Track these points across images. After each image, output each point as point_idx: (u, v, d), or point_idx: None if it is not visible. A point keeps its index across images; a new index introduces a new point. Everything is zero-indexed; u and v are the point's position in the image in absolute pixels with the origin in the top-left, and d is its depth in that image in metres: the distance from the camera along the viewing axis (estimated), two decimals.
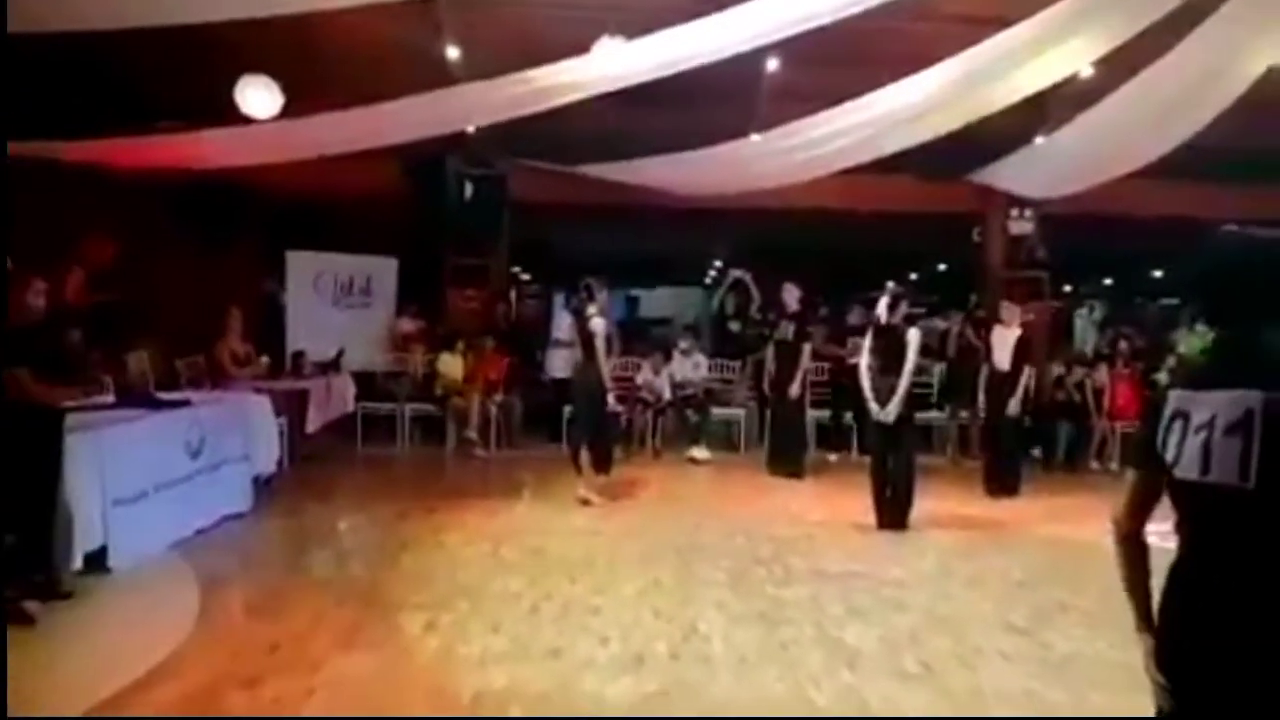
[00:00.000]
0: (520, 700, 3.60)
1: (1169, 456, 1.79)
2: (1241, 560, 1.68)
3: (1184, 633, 1.77)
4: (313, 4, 5.67)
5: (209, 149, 7.52)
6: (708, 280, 20.01)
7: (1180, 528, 1.81)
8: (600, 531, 6.35)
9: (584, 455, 7.12)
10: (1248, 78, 6.91)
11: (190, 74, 7.25)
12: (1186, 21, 6.18)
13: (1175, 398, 1.82)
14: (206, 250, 9.49)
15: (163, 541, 5.54)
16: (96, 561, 4.97)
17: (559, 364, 9.60)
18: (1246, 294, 1.82)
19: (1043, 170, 9.57)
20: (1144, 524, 1.95)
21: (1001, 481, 7.86)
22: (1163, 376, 9.81)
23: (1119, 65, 7.00)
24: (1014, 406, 7.78)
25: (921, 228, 12.49)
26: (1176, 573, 1.81)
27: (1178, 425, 1.78)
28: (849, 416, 9.51)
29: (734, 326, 11.50)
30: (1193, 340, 10.42)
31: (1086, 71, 7.21)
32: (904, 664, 4.02)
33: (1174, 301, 16.03)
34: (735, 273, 12.06)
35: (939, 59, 6.51)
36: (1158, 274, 18.80)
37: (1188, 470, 1.74)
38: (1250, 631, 1.65)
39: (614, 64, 6.54)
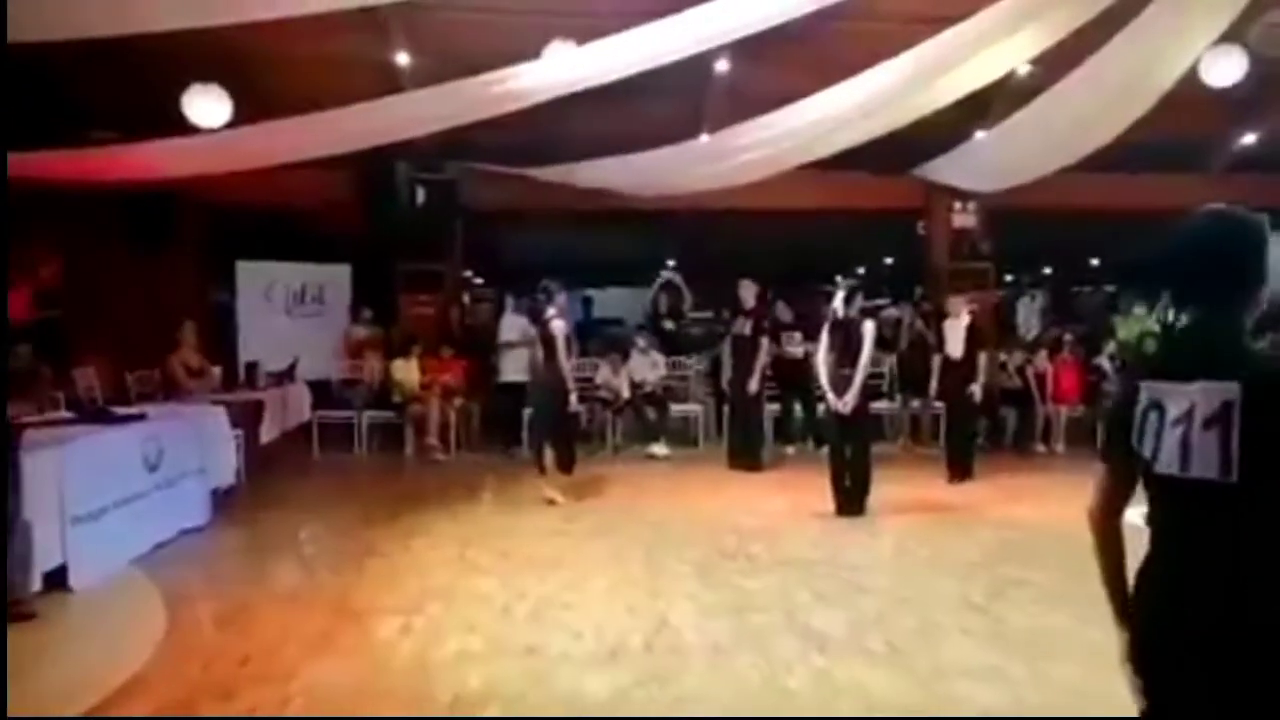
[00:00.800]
0: (499, 699, 3.63)
1: (1147, 451, 1.73)
2: (1223, 557, 1.63)
3: (1160, 630, 1.72)
4: (262, 13, 5.63)
5: (156, 160, 7.41)
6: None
7: (1155, 521, 1.76)
8: (567, 531, 6.40)
9: (547, 455, 7.17)
10: (1172, 75, 7.21)
11: (134, 84, 7.15)
12: (1119, 20, 6.44)
13: (1148, 389, 1.75)
14: (155, 262, 9.34)
15: (123, 558, 5.46)
16: (56, 580, 4.89)
17: (511, 367, 9.52)
18: (1225, 275, 1.73)
19: (984, 165, 9.85)
20: (1120, 516, 1.88)
21: (960, 466, 8.07)
22: (1103, 361, 10.17)
23: (1055, 63, 7.25)
24: (977, 392, 8.00)
25: (868, 223, 12.76)
26: (1152, 568, 1.76)
27: (1153, 418, 1.72)
28: (798, 409, 9.70)
29: (668, 325, 11.54)
30: (1131, 325, 10.82)
31: (1024, 69, 7.45)
32: (871, 645, 4.14)
33: (1111, 288, 16.57)
34: (666, 274, 12.13)
35: (885, 58, 6.68)
36: (1095, 262, 19.39)
37: (1168, 465, 1.68)
38: (1229, 630, 1.60)
39: (565, 69, 6.60)
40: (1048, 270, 19.38)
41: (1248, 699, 1.59)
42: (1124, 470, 1.82)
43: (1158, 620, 1.72)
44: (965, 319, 8.19)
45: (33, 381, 6.14)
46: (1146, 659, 1.75)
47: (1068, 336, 10.55)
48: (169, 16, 5.46)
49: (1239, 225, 1.75)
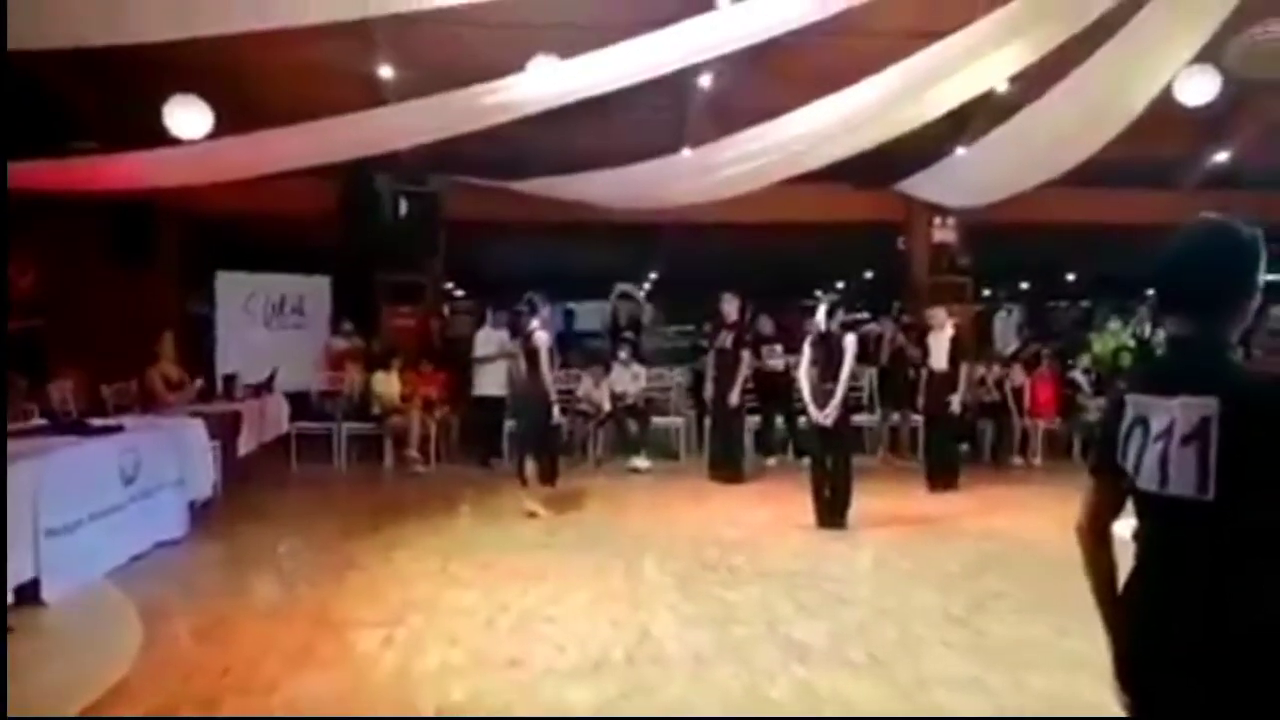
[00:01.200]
0: (482, 711, 3.61)
1: (1129, 466, 1.71)
2: (1204, 574, 1.61)
3: (1146, 646, 1.70)
4: (254, 23, 5.61)
5: (139, 170, 7.36)
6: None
7: (1141, 536, 1.74)
8: (549, 543, 6.38)
9: (529, 467, 7.15)
10: (1150, 92, 7.33)
11: (117, 94, 7.11)
12: (1098, 37, 6.54)
13: (1133, 403, 1.73)
14: (134, 273, 9.27)
15: (97, 571, 5.38)
16: (28, 594, 4.81)
17: (487, 381, 9.51)
18: (1218, 287, 1.70)
19: (963, 181, 9.96)
20: (1108, 531, 1.85)
21: (943, 477, 8.13)
22: (1078, 375, 10.30)
23: (1034, 80, 7.35)
24: (956, 403, 8.08)
25: (849, 237, 12.87)
26: (1136, 584, 1.74)
27: (1138, 433, 1.70)
28: (778, 421, 9.74)
29: (628, 336, 11.53)
30: (1106, 339, 10.97)
31: (1004, 86, 7.55)
32: (852, 656, 4.15)
33: (1086, 304, 16.80)
34: (622, 286, 12.08)
35: (872, 72, 6.74)
36: (1070, 277, 19.64)
37: (1148, 481, 1.67)
38: (1213, 647, 1.58)
39: (549, 83, 6.62)
40: (1024, 285, 19.60)
41: (1235, 716, 1.58)
42: (1110, 485, 1.80)
43: (1144, 636, 1.71)
44: (949, 331, 8.29)
45: (7, 394, 6.06)
46: (1134, 675, 1.73)
47: (1044, 351, 10.68)
48: (163, 27, 5.43)
49: (1235, 237, 1.72)
